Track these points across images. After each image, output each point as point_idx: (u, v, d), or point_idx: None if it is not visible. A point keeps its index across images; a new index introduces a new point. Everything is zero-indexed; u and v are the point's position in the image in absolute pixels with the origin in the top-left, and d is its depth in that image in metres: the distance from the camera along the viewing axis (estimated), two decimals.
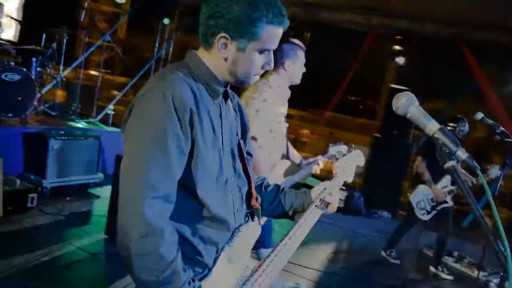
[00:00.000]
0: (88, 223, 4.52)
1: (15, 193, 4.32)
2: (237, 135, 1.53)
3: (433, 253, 5.23)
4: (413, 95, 1.20)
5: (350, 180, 1.82)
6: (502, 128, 3.05)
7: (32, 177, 4.96)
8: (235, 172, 1.49)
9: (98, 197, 5.37)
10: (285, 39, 2.93)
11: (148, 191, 1.19)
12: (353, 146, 1.98)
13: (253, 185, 1.58)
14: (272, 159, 2.86)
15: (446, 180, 4.84)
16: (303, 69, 2.90)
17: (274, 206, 1.70)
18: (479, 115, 3.17)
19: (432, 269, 5.09)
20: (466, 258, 5.51)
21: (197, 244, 1.35)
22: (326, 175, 2.18)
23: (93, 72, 11.45)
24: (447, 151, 1.07)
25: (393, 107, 1.21)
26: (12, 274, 3.28)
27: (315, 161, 2.98)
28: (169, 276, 1.19)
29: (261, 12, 1.28)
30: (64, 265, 3.62)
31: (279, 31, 1.35)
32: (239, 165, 1.52)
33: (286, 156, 3.06)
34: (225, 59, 1.34)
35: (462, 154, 1.06)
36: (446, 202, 4.81)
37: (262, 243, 3.00)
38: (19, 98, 5.33)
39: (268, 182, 1.76)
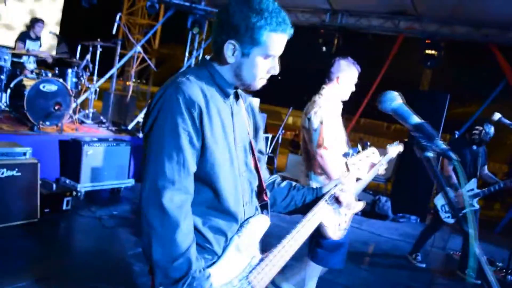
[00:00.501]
0: (118, 225, 4.73)
1: (51, 196, 4.60)
2: (248, 133, 1.62)
3: (460, 256, 5.15)
4: (397, 93, 1.28)
5: (363, 177, 1.86)
6: None
7: (67, 181, 5.25)
8: (247, 167, 1.59)
9: (129, 200, 5.60)
10: (343, 56, 3.15)
11: (167, 184, 1.33)
12: (369, 144, 1.99)
13: (263, 180, 1.67)
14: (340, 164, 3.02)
15: (472, 183, 4.79)
16: (353, 88, 3.13)
17: (287, 201, 1.77)
18: (497, 116, 3.16)
19: (459, 273, 5.01)
20: (495, 263, 5.39)
21: (206, 233, 1.45)
22: None
23: (128, 83, 11.89)
24: (424, 144, 1.14)
25: (377, 104, 1.29)
26: (50, 274, 3.50)
27: (379, 163, 3.12)
28: (183, 263, 1.32)
29: (264, 20, 1.37)
30: (98, 263, 3.83)
31: (282, 38, 1.43)
32: (250, 161, 1.62)
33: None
34: (232, 64, 1.45)
35: (439, 146, 1.13)
36: (472, 205, 4.75)
37: (324, 260, 3.15)
38: (56, 108, 5.67)
39: (280, 180, 1.84)
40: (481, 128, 4.65)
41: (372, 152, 1.90)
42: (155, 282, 1.38)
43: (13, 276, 3.28)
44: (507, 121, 3.13)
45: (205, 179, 1.43)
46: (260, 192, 1.68)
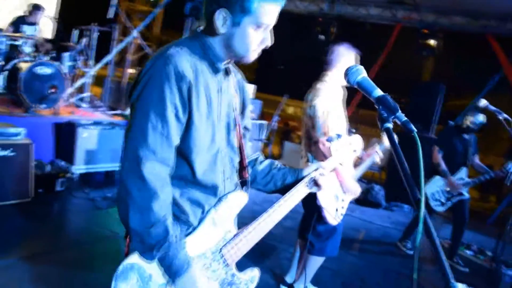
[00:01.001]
0: (111, 207, 4.79)
1: (45, 176, 4.66)
2: (234, 110, 1.61)
3: (449, 244, 5.21)
4: (362, 67, 1.31)
5: (343, 163, 1.85)
6: (505, 115, 3.08)
7: (62, 163, 5.29)
8: (228, 144, 1.60)
9: None
10: (341, 42, 3.19)
11: (148, 154, 1.34)
12: (354, 131, 2.00)
13: (245, 157, 1.69)
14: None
15: (463, 172, 4.83)
16: None
17: (267, 179, 1.79)
18: (482, 102, 3.20)
19: (448, 260, 5.08)
20: (485, 252, 5.46)
21: (183, 204, 1.48)
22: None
23: (130, 70, 11.90)
24: (385, 116, 1.18)
25: (344, 78, 1.32)
26: (41, 251, 3.57)
27: (374, 151, 3.20)
28: (159, 229, 1.35)
29: None
30: (89, 242, 3.90)
31: (274, 8, 1.40)
32: (233, 138, 1.62)
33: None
34: (223, 35, 1.43)
35: (399, 118, 1.17)
36: (461, 194, 4.80)
37: (321, 250, 3.22)
38: (51, 90, 5.70)
39: (263, 158, 1.86)
40: (469, 116, 4.68)
41: (355, 140, 1.91)
42: (130, 247, 1.43)
43: (4, 252, 3.34)
44: (493, 108, 3.17)
45: (186, 154, 1.45)
46: (241, 169, 1.70)
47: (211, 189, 1.53)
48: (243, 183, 1.69)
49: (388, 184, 7.49)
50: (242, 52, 1.45)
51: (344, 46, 3.18)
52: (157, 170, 1.36)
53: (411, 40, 9.23)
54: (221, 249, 1.55)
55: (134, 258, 1.40)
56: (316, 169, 1.75)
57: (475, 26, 8.04)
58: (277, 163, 1.84)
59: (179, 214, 1.48)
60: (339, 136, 1.88)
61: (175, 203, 1.47)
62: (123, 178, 1.37)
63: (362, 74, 1.29)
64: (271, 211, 1.62)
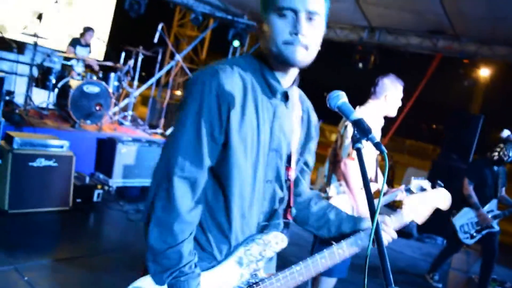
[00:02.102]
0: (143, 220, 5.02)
1: (84, 188, 4.98)
2: (290, 140, 1.47)
3: (478, 279, 5.05)
4: (343, 93, 1.43)
5: (419, 221, 1.69)
6: None
7: (100, 176, 5.64)
8: (275, 176, 1.45)
9: None
10: (388, 74, 3.30)
11: (177, 170, 1.26)
12: (438, 183, 1.84)
13: (292, 196, 1.51)
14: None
15: (493, 204, 4.72)
16: (400, 103, 3.26)
17: (320, 223, 1.62)
18: (505, 133, 3.19)
19: None
20: (505, 284, 5.24)
21: (209, 234, 1.38)
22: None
23: (173, 91, 12.46)
24: (358, 137, 1.29)
25: (327, 102, 1.44)
26: (74, 255, 3.83)
27: (399, 190, 3.27)
28: (174, 253, 1.26)
29: None
30: (119, 250, 4.13)
31: None
32: (283, 170, 1.46)
33: (374, 181, 3.36)
34: (263, 41, 1.35)
35: (372, 140, 1.27)
36: (492, 227, 4.68)
37: (330, 271, 3.27)
38: (97, 108, 6.11)
39: (319, 198, 1.68)
40: (501, 147, 4.59)
41: (441, 195, 1.71)
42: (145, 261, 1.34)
43: (40, 254, 3.63)
44: None
45: (221, 178, 1.34)
46: (286, 208, 1.52)
47: (243, 222, 1.40)
48: (286, 224, 1.51)
49: None
50: (274, 48, 1.30)
51: (390, 78, 3.22)
52: (183, 190, 1.28)
53: (453, 70, 9.13)
54: None
55: (143, 282, 1.32)
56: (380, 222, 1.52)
57: None
58: (334, 206, 1.65)
59: (203, 244, 1.38)
60: (423, 188, 1.73)
61: (202, 231, 1.38)
62: (150, 191, 1.31)
63: (342, 99, 1.38)
64: (310, 262, 1.44)
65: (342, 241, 1.50)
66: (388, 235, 1.56)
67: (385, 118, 3.30)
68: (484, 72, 11.67)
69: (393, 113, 3.26)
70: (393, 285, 1.02)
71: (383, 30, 9.17)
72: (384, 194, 3.37)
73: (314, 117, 1.60)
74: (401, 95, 3.23)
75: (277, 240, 1.44)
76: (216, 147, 1.30)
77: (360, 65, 9.34)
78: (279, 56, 1.30)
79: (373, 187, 3.22)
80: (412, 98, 9.11)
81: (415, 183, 3.27)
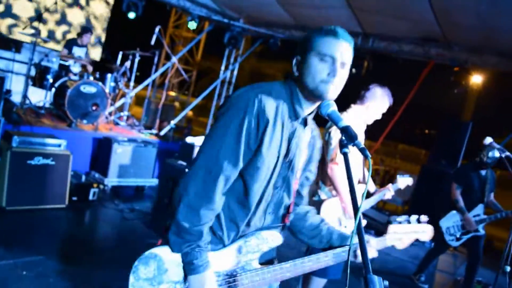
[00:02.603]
0: (137, 218, 5.12)
1: (80, 186, 5.06)
2: (300, 158, 1.75)
3: (463, 281, 5.20)
4: (333, 103, 1.56)
5: (399, 247, 1.91)
6: (507, 153, 3.19)
7: (96, 175, 5.73)
8: (285, 184, 1.73)
9: (150, 198, 6.01)
10: (382, 86, 3.39)
11: (216, 167, 1.53)
12: (422, 217, 1.95)
13: (292, 203, 1.81)
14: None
15: (479, 208, 4.87)
16: (379, 117, 3.35)
17: (313, 234, 1.89)
18: (488, 140, 3.33)
19: None
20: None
21: (224, 221, 1.65)
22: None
23: (169, 92, 12.56)
24: (345, 142, 1.41)
25: (318, 110, 1.57)
26: (69, 251, 3.92)
27: (386, 189, 3.41)
28: (196, 231, 1.53)
29: (318, 31, 1.59)
30: (113, 247, 4.23)
31: (334, 41, 1.55)
32: (293, 181, 1.75)
33: (363, 182, 3.48)
34: (298, 76, 1.62)
35: (358, 145, 1.38)
36: (477, 230, 4.83)
37: (324, 272, 3.40)
38: (93, 108, 6.20)
39: (315, 212, 1.98)
40: (484, 152, 4.74)
41: (422, 230, 1.87)
42: (168, 231, 1.58)
43: (37, 250, 3.71)
44: (497, 145, 3.29)
45: (245, 177, 1.61)
46: (286, 213, 1.81)
47: (251, 215, 1.67)
48: (283, 227, 1.81)
49: None
50: (311, 84, 1.57)
51: (382, 90, 3.31)
52: (219, 185, 1.54)
53: (447, 77, 9.30)
54: (235, 275, 1.67)
55: (160, 250, 1.58)
56: (367, 241, 1.81)
57: (508, 66, 8.04)
58: (327, 222, 1.93)
59: (216, 229, 1.65)
60: (408, 221, 1.91)
61: (217, 218, 1.63)
62: (187, 178, 1.54)
63: (332, 107, 1.54)
64: (299, 261, 1.73)
65: (329, 250, 1.79)
66: (370, 254, 1.80)
67: (377, 122, 3.42)
68: (476, 79, 11.89)
69: (369, 121, 3.34)
70: (371, 273, 1.13)
71: (377, 36, 9.33)
72: (373, 194, 3.51)
73: (318, 144, 1.88)
74: (384, 110, 3.31)
75: (273, 238, 1.73)
76: (249, 153, 1.58)
77: (354, 70, 9.49)
78: (315, 91, 1.57)
79: (362, 188, 3.34)
80: (404, 103, 9.29)
81: (401, 180, 3.46)
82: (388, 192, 3.46)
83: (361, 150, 1.38)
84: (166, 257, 1.58)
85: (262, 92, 1.56)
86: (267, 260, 1.78)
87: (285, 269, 1.70)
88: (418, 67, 9.37)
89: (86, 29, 7.30)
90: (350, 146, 1.41)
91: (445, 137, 7.60)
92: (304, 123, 1.70)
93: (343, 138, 1.43)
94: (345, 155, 1.40)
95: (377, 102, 3.26)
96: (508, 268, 2.83)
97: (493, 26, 7.20)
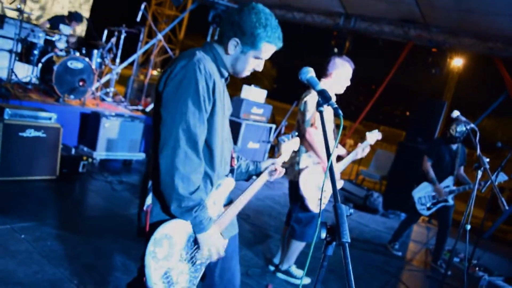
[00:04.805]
0: (127, 190, 5.32)
1: (70, 159, 5.22)
2: (229, 108, 2.04)
3: (433, 248, 5.57)
4: (311, 69, 1.78)
5: (286, 159, 2.31)
6: (472, 125, 3.48)
7: (85, 149, 5.88)
8: (228, 135, 2.02)
9: (138, 171, 6.21)
10: (338, 54, 3.63)
11: (190, 135, 1.69)
12: (296, 134, 2.39)
13: (233, 149, 2.13)
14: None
15: (449, 180, 5.20)
16: (348, 83, 3.65)
17: (238, 171, 2.23)
18: (455, 113, 3.61)
19: (431, 263, 5.45)
20: (471, 260, 5.77)
21: (202, 180, 1.83)
22: None
23: (151, 71, 12.57)
24: (321, 102, 1.64)
25: (299, 76, 1.80)
26: (60, 219, 4.11)
27: (357, 148, 3.68)
28: (197, 195, 1.73)
29: (266, 33, 1.81)
30: (103, 216, 4.42)
31: (273, 48, 1.89)
32: (229, 130, 2.06)
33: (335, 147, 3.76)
34: (231, 55, 1.88)
35: (332, 105, 1.61)
36: (446, 201, 5.17)
37: (301, 235, 3.68)
38: (80, 83, 6.30)
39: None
40: (452, 126, 5.06)
41: (295, 142, 2.35)
42: (152, 215, 1.82)
43: (32, 217, 3.90)
44: (463, 118, 3.57)
45: (208, 137, 1.81)
46: (231, 157, 2.10)
47: (218, 170, 1.93)
48: (232, 171, 2.10)
49: (388, 193, 7.86)
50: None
51: (341, 58, 3.62)
52: (197, 148, 1.72)
53: (425, 59, 9.59)
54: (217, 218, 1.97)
55: (167, 228, 1.75)
56: (272, 164, 2.23)
57: (482, 48, 8.36)
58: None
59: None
60: (287, 136, 2.32)
61: None
62: (166, 154, 1.68)
63: (310, 73, 1.77)
64: (241, 196, 2.04)
65: (254, 176, 2.23)
66: (279, 173, 2.26)
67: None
68: (457, 62, 12.23)
69: (340, 90, 3.64)
70: (340, 203, 1.34)
71: (358, 17, 9.55)
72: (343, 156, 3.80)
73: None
74: (349, 75, 3.61)
75: (230, 184, 2.01)
76: (207, 115, 1.78)
77: (336, 50, 9.71)
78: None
79: (336, 151, 3.62)
80: (383, 84, 9.58)
81: (370, 135, 3.78)
82: (361, 151, 3.73)
83: (335, 109, 1.60)
84: (173, 231, 1.76)
85: (200, 59, 1.75)
86: (228, 203, 2.05)
87: (239, 201, 2.02)
88: (398, 48, 9.64)
89: (78, 17, 7.29)
90: (325, 106, 1.64)
91: (422, 116, 7.94)
92: (226, 78, 1.98)
93: (320, 99, 1.65)
94: (321, 113, 1.63)
95: (339, 70, 3.57)
96: (468, 227, 3.14)
97: (469, 8, 7.49)
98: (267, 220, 5.45)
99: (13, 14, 7.00)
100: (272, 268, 4.06)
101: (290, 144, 2.31)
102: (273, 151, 8.42)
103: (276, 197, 6.85)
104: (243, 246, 4.41)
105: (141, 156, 6.42)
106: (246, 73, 1.94)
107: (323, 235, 1.32)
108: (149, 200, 1.85)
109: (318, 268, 1.36)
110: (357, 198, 7.59)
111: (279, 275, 3.96)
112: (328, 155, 1.44)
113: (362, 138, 3.84)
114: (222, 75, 1.92)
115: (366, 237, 6.03)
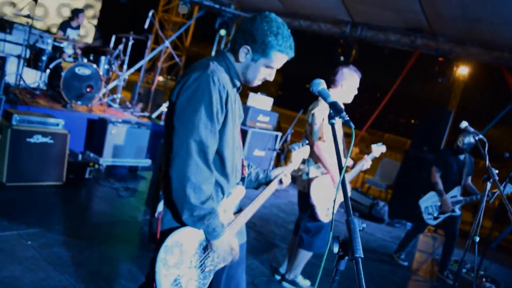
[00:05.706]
0: (133, 196, 5.33)
1: (77, 165, 5.24)
2: (240, 117, 2.06)
3: (440, 259, 5.53)
4: (323, 81, 1.78)
5: (296, 167, 2.34)
6: (480, 136, 3.46)
7: (91, 155, 5.89)
8: (239, 144, 2.02)
9: (144, 178, 6.21)
10: (344, 62, 3.66)
11: (201, 146, 1.71)
12: (306, 142, 2.44)
13: (243, 157, 2.13)
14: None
15: (456, 190, 5.17)
16: (356, 92, 3.66)
17: (248, 179, 2.23)
18: (463, 124, 3.59)
19: (438, 274, 5.40)
20: (481, 272, 5.71)
21: (214, 189, 1.85)
22: None
23: (157, 77, 12.62)
24: (333, 115, 1.63)
25: (310, 88, 1.79)
26: (66, 225, 4.11)
27: (364, 160, 3.69)
28: (208, 204, 1.74)
29: (277, 42, 1.81)
30: (109, 223, 4.42)
31: (284, 58, 1.88)
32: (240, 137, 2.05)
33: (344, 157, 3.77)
34: (242, 63, 1.88)
35: (343, 117, 1.60)
36: (453, 211, 5.14)
37: (309, 245, 3.67)
38: (88, 89, 6.34)
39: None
40: (460, 138, 5.04)
41: (305, 150, 2.37)
42: (163, 222, 1.83)
43: (38, 223, 3.90)
44: (471, 129, 3.55)
45: (219, 147, 1.84)
46: (242, 165, 2.12)
47: (229, 177, 1.95)
48: (242, 179, 2.11)
49: (393, 202, 7.81)
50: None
51: (349, 68, 3.62)
52: (207, 159, 1.74)
53: (431, 68, 9.58)
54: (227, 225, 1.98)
55: (178, 236, 1.77)
56: (282, 172, 2.24)
57: (489, 57, 8.34)
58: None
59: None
60: (298, 145, 2.35)
61: None
62: (179, 166, 1.70)
63: (322, 85, 1.77)
64: (251, 203, 2.06)
65: (263, 186, 2.24)
66: (287, 181, 2.26)
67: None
68: (462, 71, 12.22)
69: (348, 100, 3.63)
70: (352, 216, 1.34)
71: (365, 26, 9.56)
72: (352, 167, 3.82)
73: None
74: (357, 84, 3.63)
75: (240, 192, 2.03)
76: (219, 126, 1.80)
77: (342, 58, 9.72)
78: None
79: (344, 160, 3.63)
80: (389, 93, 9.57)
81: (375, 148, 3.81)
82: (366, 162, 3.75)
83: (346, 122, 1.60)
84: (184, 239, 1.78)
85: (213, 71, 1.77)
86: (238, 211, 2.07)
87: (249, 209, 2.05)
88: (404, 57, 9.64)
89: (79, 10, 7.37)
90: (336, 118, 1.63)
91: (427, 124, 7.91)
92: (238, 88, 1.98)
93: (331, 111, 1.65)
94: (332, 125, 1.63)
95: (348, 80, 3.57)
96: (477, 238, 3.11)
97: (476, 17, 7.48)
98: (273, 228, 5.44)
99: (22, 20, 7.05)
100: (278, 277, 4.04)
101: (300, 152, 2.34)
102: (279, 159, 8.40)
103: (282, 205, 6.83)
104: (249, 255, 4.39)
105: (147, 162, 6.43)
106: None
107: (336, 249, 1.31)
108: (160, 207, 1.85)
109: (330, 282, 1.35)
110: (362, 207, 7.55)
111: (285, 284, 3.94)
112: (340, 168, 1.43)
113: (368, 147, 3.85)
114: (234, 85, 1.93)
115: (372, 247, 5.99)
